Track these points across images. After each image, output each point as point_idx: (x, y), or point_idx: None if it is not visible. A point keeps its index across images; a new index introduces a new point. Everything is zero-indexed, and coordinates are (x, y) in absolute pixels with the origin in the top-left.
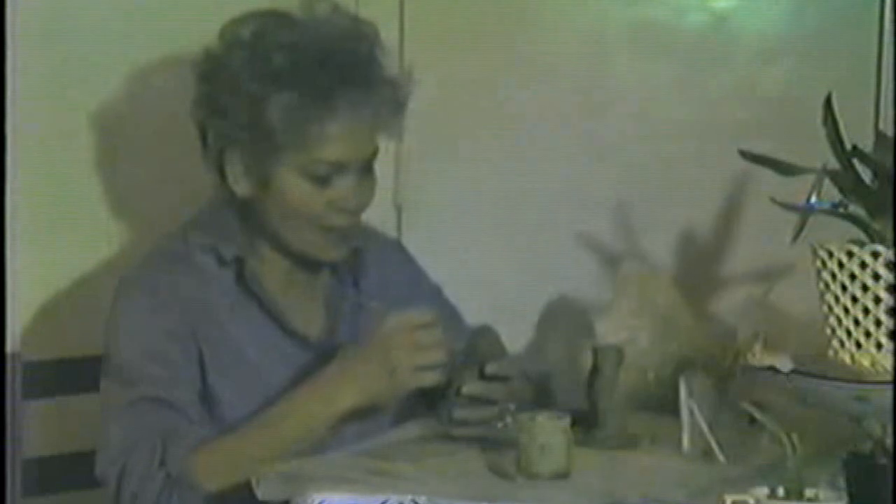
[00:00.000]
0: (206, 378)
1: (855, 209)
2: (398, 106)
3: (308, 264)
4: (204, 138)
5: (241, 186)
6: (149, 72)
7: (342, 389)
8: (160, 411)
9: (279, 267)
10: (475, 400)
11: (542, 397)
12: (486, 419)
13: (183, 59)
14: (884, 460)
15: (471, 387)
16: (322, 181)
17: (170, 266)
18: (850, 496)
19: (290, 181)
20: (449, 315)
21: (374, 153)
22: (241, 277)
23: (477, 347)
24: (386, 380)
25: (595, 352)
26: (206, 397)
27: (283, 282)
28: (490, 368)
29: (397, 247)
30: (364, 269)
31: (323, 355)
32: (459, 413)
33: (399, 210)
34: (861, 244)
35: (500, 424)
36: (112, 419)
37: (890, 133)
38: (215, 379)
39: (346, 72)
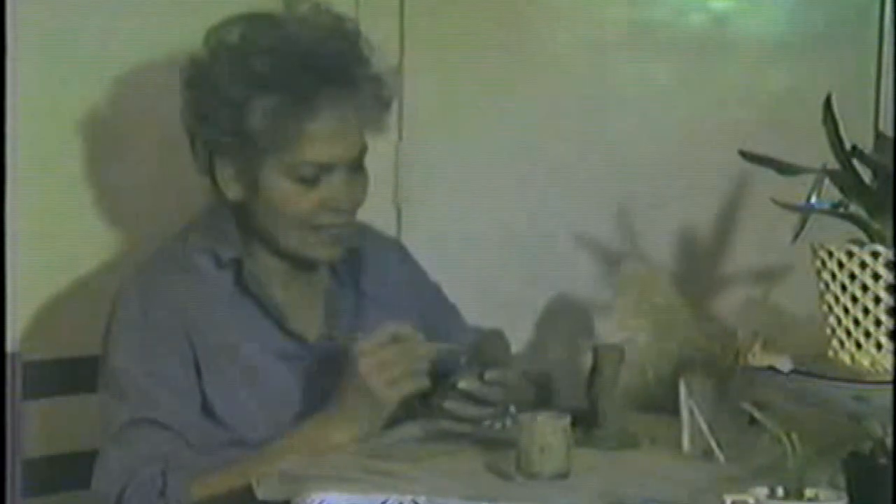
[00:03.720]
0: (203, 383)
1: (855, 209)
2: (384, 103)
3: (305, 264)
4: (193, 144)
5: (232, 190)
6: (148, 74)
7: (335, 426)
8: (158, 435)
9: (277, 268)
10: (469, 397)
11: (542, 397)
12: (476, 417)
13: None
14: (884, 460)
15: (467, 383)
16: (310, 182)
17: (168, 270)
18: (850, 496)
19: (278, 184)
20: (448, 313)
21: (363, 151)
22: (239, 279)
23: (483, 350)
24: (367, 405)
25: (595, 351)
26: (205, 403)
27: (281, 283)
28: (490, 375)
29: (397, 246)
30: (363, 269)
31: (322, 356)
32: (449, 404)
33: (399, 210)
34: (861, 244)
35: (497, 425)
36: (110, 439)
37: (890, 133)
38: (213, 383)
39: (327, 72)
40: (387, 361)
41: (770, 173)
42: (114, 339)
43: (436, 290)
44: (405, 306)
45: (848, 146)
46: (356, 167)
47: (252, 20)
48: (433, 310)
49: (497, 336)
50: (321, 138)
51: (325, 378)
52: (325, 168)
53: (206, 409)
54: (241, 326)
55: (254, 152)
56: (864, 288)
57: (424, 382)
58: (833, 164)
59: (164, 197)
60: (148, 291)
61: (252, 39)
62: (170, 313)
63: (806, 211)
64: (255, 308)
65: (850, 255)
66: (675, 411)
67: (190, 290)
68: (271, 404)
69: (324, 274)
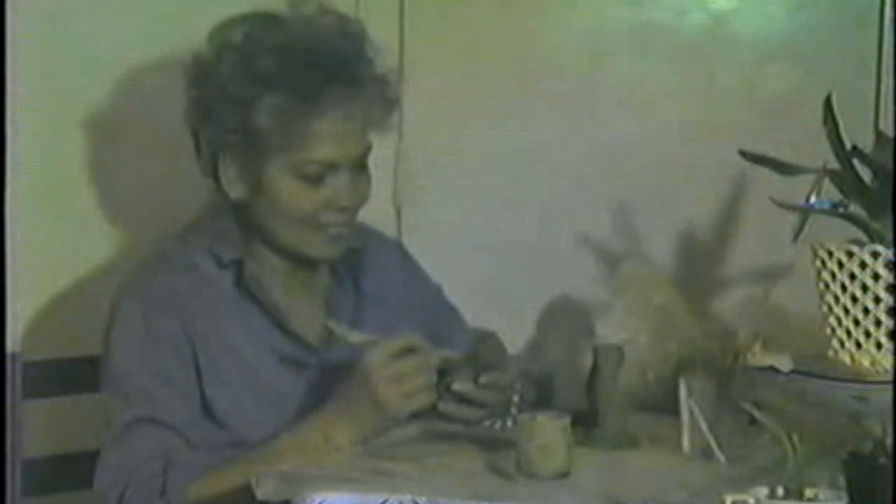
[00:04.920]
0: (203, 384)
1: (855, 209)
2: (388, 103)
3: (306, 264)
4: (197, 143)
5: (236, 189)
6: (149, 74)
7: (337, 428)
8: (159, 434)
9: (278, 268)
10: (463, 399)
11: (543, 396)
12: (470, 419)
13: (182, 62)
14: (884, 460)
15: (461, 385)
16: (315, 181)
17: (168, 270)
18: (850, 496)
19: (283, 182)
20: (449, 315)
21: (367, 151)
22: (239, 280)
23: (479, 354)
24: (377, 415)
25: (595, 352)
26: (205, 404)
27: (282, 283)
28: (484, 378)
29: (397, 247)
30: (363, 269)
31: (323, 357)
32: (444, 406)
33: (399, 210)
34: (861, 244)
35: (498, 424)
36: (111, 439)
37: (890, 133)
38: (213, 384)
39: (332, 71)
40: (402, 374)
41: (770, 173)
42: (114, 340)
43: (436, 292)
44: (405, 307)
45: (848, 146)
46: (360, 167)
47: (256, 19)
48: (434, 311)
49: (493, 339)
50: (327, 137)
51: (326, 379)
52: (330, 167)
53: (206, 410)
54: (241, 327)
55: (259, 151)
56: (864, 288)
57: (434, 395)
58: (833, 164)
59: (165, 197)
60: (148, 292)
61: (257, 38)
62: (170, 314)
63: (806, 211)
64: (255, 309)
65: (850, 255)
66: (675, 411)
67: (190, 291)
68: (271, 405)
69: (324, 274)
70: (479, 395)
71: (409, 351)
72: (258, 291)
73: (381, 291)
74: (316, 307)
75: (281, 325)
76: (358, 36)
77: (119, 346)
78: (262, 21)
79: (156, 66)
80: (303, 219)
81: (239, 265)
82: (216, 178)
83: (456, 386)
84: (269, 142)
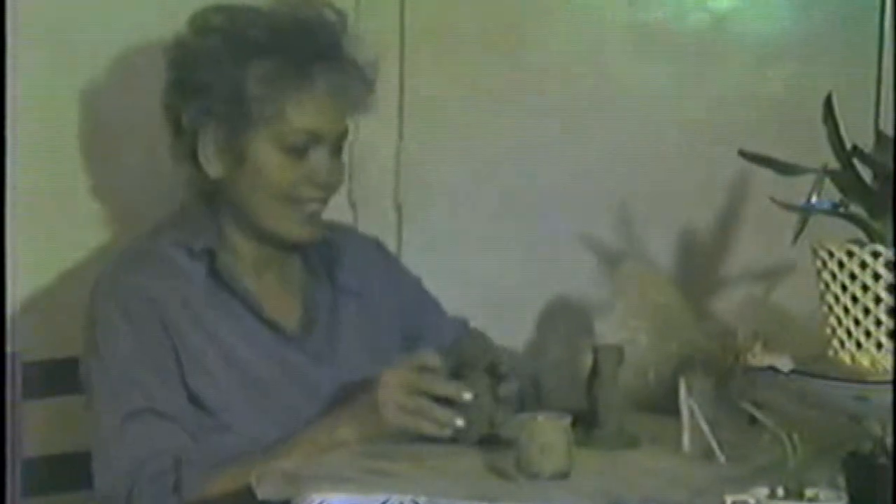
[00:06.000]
0: (185, 373)
1: (855, 209)
2: (367, 83)
3: (280, 247)
4: (177, 125)
5: (215, 167)
6: (146, 67)
7: (339, 427)
8: (159, 427)
9: (251, 255)
10: (508, 399)
11: (541, 397)
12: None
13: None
14: (884, 460)
15: (506, 388)
16: (298, 153)
17: (141, 265)
18: (850, 496)
19: (266, 154)
20: (429, 308)
21: (345, 133)
22: (212, 269)
23: (470, 351)
24: (372, 417)
25: (595, 351)
26: (189, 393)
27: (255, 271)
28: (504, 367)
29: (375, 244)
30: (338, 265)
31: (302, 343)
32: (506, 424)
33: (399, 210)
34: (861, 244)
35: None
36: (109, 437)
37: (890, 133)
38: (194, 374)
39: (318, 47)
40: (405, 385)
41: (770, 173)
42: (99, 340)
43: (416, 285)
44: (383, 300)
45: (848, 146)
46: (337, 149)
47: (234, 8)
48: (414, 305)
49: (476, 333)
50: (314, 107)
51: (306, 367)
52: (314, 139)
53: (190, 398)
54: (217, 316)
55: (245, 122)
56: (865, 288)
57: (435, 429)
58: (833, 164)
59: (165, 195)
60: (124, 289)
61: (242, 18)
62: (147, 306)
63: (806, 211)
64: (229, 297)
65: (851, 255)
66: (675, 411)
67: (164, 282)
68: (252, 391)
69: (298, 266)
70: (511, 390)
71: (423, 368)
72: (231, 280)
73: (358, 286)
74: (291, 297)
75: (256, 313)
76: (335, 26)
77: (105, 346)
78: (242, 9)
79: (152, 54)
80: (282, 194)
81: (211, 255)
82: (194, 159)
83: (502, 390)
84: (258, 110)
